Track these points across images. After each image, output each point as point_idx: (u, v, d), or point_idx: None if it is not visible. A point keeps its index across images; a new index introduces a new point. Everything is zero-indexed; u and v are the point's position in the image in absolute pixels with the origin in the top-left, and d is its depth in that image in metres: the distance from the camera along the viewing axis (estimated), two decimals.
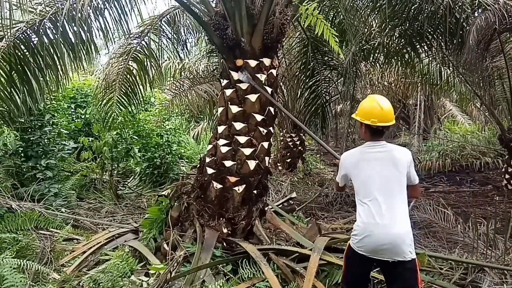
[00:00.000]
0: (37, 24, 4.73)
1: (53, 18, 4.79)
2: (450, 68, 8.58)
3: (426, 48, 6.77)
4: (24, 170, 6.50)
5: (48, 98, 6.55)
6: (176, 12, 6.44)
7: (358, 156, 2.74)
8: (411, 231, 2.56)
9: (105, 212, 6.41)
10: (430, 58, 8.14)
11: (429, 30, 5.91)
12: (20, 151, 6.53)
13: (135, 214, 6.42)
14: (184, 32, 6.92)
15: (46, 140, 6.62)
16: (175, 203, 4.50)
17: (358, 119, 2.72)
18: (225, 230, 4.18)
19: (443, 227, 5.36)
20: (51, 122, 6.77)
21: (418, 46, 6.64)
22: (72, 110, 9.26)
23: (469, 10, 5.19)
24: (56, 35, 4.90)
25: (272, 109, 4.51)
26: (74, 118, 8.97)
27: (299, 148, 10.62)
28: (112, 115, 6.72)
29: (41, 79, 5.20)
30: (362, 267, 2.66)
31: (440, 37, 5.99)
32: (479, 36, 5.17)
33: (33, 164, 6.45)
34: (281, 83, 9.42)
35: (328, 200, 7.59)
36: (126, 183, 8.51)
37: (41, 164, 6.43)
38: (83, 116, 8.98)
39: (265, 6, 4.23)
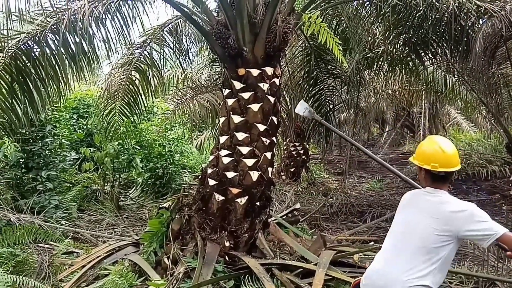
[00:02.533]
0: (39, 34, 4.69)
1: (55, 29, 4.75)
2: (455, 76, 8.49)
3: (430, 55, 6.69)
4: (25, 181, 6.43)
5: (49, 109, 6.51)
6: (178, 22, 6.41)
7: (411, 196, 2.52)
8: None
9: (106, 224, 6.31)
10: (435, 66, 8.07)
11: (434, 38, 5.83)
12: (20, 162, 6.47)
13: (136, 226, 6.32)
14: (186, 42, 6.89)
15: (47, 151, 6.56)
16: (176, 216, 4.40)
17: (417, 163, 2.43)
18: (227, 244, 4.08)
19: None
20: (52, 133, 6.71)
21: (422, 53, 6.57)
22: (74, 120, 9.22)
23: (474, 17, 5.12)
24: (57, 46, 4.86)
25: (275, 119, 4.44)
26: (76, 129, 8.92)
27: (303, 157, 10.52)
28: (114, 125, 6.66)
29: (43, 89, 5.16)
30: None
31: (445, 45, 5.92)
32: (486, 43, 5.08)
33: (34, 175, 6.39)
34: (284, 92, 9.36)
35: (332, 210, 7.47)
36: (128, 194, 8.42)
37: (42, 176, 6.36)
38: (85, 127, 8.93)
39: (267, 14, 4.18)
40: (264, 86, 4.27)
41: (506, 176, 9.69)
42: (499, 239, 2.13)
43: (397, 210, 2.52)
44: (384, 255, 2.38)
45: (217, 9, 4.91)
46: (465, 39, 5.34)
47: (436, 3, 4.91)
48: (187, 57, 7.20)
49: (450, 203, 2.28)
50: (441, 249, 2.21)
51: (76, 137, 8.46)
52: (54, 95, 5.39)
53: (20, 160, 6.46)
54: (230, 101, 4.32)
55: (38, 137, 6.46)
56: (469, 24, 5.35)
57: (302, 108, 4.00)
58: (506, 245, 2.18)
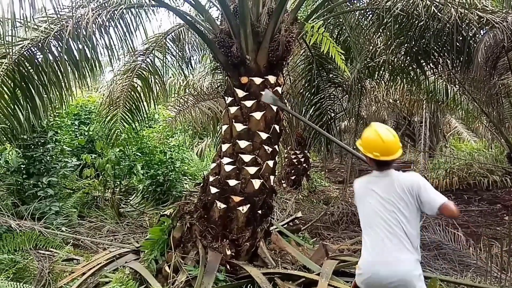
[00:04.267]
0: (42, 41, 4.71)
1: (58, 36, 4.78)
2: (457, 86, 8.51)
3: (432, 65, 6.71)
4: (26, 187, 6.42)
5: (51, 115, 6.51)
6: (181, 30, 6.45)
7: (364, 185, 2.64)
8: (418, 264, 2.42)
9: (107, 231, 6.29)
10: (436, 76, 8.09)
11: (435, 48, 5.85)
12: (22, 168, 6.46)
13: (137, 233, 6.30)
14: (189, 50, 6.92)
15: (48, 157, 6.55)
16: (177, 224, 4.38)
17: (361, 150, 2.60)
18: (228, 252, 4.06)
19: (454, 248, 5.19)
20: (54, 139, 6.71)
21: (424, 63, 6.58)
22: (76, 127, 9.22)
23: (476, 28, 5.14)
24: (61, 53, 4.88)
25: (277, 127, 4.44)
26: (77, 135, 8.93)
27: (304, 165, 10.53)
28: (116, 132, 6.67)
29: (45, 96, 5.17)
30: None
31: (447, 55, 5.93)
32: (487, 53, 5.10)
33: (35, 181, 6.38)
34: (286, 100, 9.37)
35: (334, 219, 7.43)
36: (129, 200, 8.40)
37: (43, 182, 6.34)
38: (86, 133, 8.93)
39: (271, 24, 4.20)
40: None
41: (507, 186, 9.68)
42: (440, 207, 2.34)
43: (356, 202, 2.67)
44: (384, 246, 2.40)
45: (220, 17, 4.94)
46: (466, 49, 5.36)
47: (438, 13, 4.94)
48: (189, 65, 7.23)
49: (402, 176, 2.52)
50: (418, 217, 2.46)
51: (77, 143, 8.46)
52: (56, 101, 5.39)
53: (21, 166, 6.46)
54: (233, 109, 4.33)
55: (39, 143, 6.46)
56: (471, 35, 5.37)
57: (268, 97, 4.04)
58: (445, 213, 2.38)
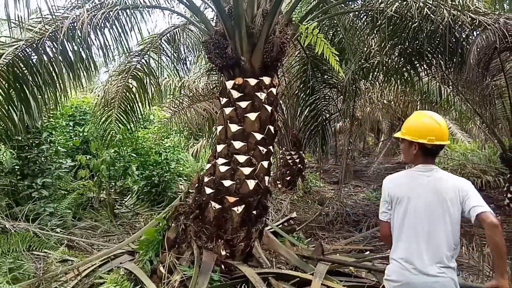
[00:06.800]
0: (37, 42, 4.70)
1: (53, 37, 4.76)
2: (450, 87, 8.57)
3: (425, 66, 6.75)
4: (20, 188, 6.39)
5: (46, 116, 6.49)
6: (176, 31, 6.45)
7: (404, 181, 2.35)
8: (455, 276, 2.25)
9: (101, 232, 6.28)
10: (430, 77, 8.15)
11: (429, 49, 5.90)
12: (16, 169, 6.44)
13: (132, 234, 6.29)
14: (184, 51, 6.92)
15: (43, 158, 6.54)
16: (172, 224, 4.39)
17: (409, 139, 2.31)
18: (223, 252, 4.07)
19: None
20: (48, 140, 6.70)
21: (417, 64, 6.63)
22: (71, 127, 9.19)
23: (469, 30, 5.19)
24: (55, 53, 4.87)
25: (272, 128, 4.46)
26: (72, 136, 8.90)
27: (299, 166, 10.54)
28: (111, 133, 6.66)
29: (39, 96, 5.15)
30: None
31: (440, 56, 5.98)
32: (480, 55, 5.15)
33: (29, 182, 6.35)
34: (281, 101, 9.41)
35: (328, 219, 7.47)
36: (123, 201, 8.39)
37: (37, 183, 6.32)
38: (81, 134, 8.91)
39: (265, 25, 4.22)
40: (262, 96, 4.30)
41: (500, 186, 9.76)
42: (479, 216, 2.12)
43: (393, 200, 2.34)
44: (422, 254, 2.23)
45: (215, 19, 4.95)
46: (459, 50, 5.41)
47: (431, 15, 4.98)
48: (184, 66, 7.24)
49: (450, 178, 2.29)
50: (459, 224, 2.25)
51: (72, 144, 8.43)
52: (51, 102, 5.38)
53: (16, 167, 6.44)
54: (228, 110, 4.34)
55: (34, 144, 6.44)
56: (464, 36, 5.43)
57: None
58: (482, 223, 2.14)
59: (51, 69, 5.04)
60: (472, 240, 5.13)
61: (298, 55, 8.26)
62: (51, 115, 6.82)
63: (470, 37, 5.41)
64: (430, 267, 2.19)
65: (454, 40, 5.37)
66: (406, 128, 2.36)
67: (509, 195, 8.09)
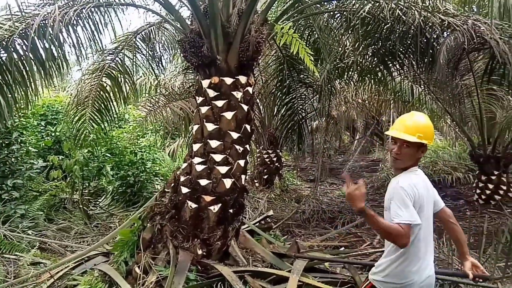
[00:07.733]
0: (6, 40, 4.57)
1: (23, 34, 4.63)
2: (422, 86, 8.80)
3: (398, 66, 6.92)
4: None
5: (16, 115, 6.32)
6: (151, 29, 6.38)
7: (421, 185, 2.24)
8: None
9: (75, 233, 6.16)
10: (402, 76, 8.36)
11: (401, 49, 6.05)
12: None
13: (106, 235, 6.19)
14: (160, 49, 6.86)
15: (13, 159, 6.37)
16: (148, 224, 4.35)
17: (425, 142, 2.21)
18: (199, 252, 4.07)
19: None
20: (19, 140, 6.53)
21: (390, 64, 6.79)
22: (42, 127, 8.96)
23: (439, 31, 5.35)
24: (26, 51, 4.74)
25: (248, 127, 4.48)
26: (43, 136, 8.68)
27: (276, 164, 10.61)
28: (84, 132, 6.53)
29: (9, 95, 5.01)
30: None
31: (412, 56, 6.14)
32: (449, 55, 5.32)
33: None
34: (258, 100, 9.44)
35: (305, 217, 7.56)
36: (98, 202, 8.24)
37: (7, 184, 6.16)
38: (53, 134, 8.70)
39: (241, 24, 4.23)
40: (238, 95, 4.31)
41: (469, 182, 10.10)
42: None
43: (418, 204, 2.19)
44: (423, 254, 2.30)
45: (190, 17, 4.93)
46: (430, 51, 5.56)
47: (403, 16, 5.11)
48: (160, 64, 7.17)
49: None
50: None
51: (43, 144, 8.23)
52: (21, 101, 5.23)
53: None
54: (204, 109, 4.34)
55: (3, 145, 6.27)
56: (434, 37, 5.58)
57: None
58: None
59: (22, 67, 4.91)
60: (442, 235, 5.30)
61: (275, 54, 8.31)
62: (22, 115, 6.65)
63: (440, 38, 5.57)
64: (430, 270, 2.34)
65: (425, 40, 5.53)
66: (424, 133, 2.20)
67: (478, 191, 8.37)
